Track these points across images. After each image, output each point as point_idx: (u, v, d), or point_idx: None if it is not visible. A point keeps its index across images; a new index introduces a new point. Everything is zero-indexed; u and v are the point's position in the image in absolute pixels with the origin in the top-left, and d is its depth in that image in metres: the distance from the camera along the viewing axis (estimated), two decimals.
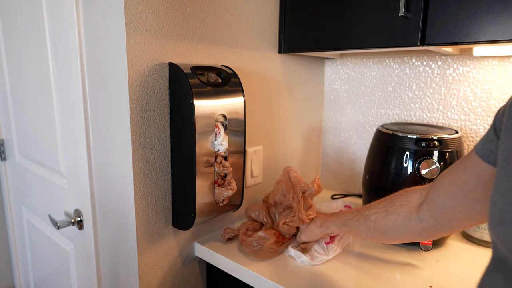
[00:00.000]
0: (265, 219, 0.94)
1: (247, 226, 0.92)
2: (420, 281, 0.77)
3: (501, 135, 0.46)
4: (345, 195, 1.30)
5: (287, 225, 0.88)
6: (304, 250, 0.86)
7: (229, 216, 1.01)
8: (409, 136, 0.89)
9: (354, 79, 1.27)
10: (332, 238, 0.93)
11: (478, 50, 0.96)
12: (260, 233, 0.86)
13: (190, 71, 0.78)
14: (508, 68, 0.98)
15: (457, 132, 0.92)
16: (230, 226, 0.96)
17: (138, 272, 0.83)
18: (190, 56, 0.84)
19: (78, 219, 0.98)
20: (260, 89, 1.05)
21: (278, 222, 0.90)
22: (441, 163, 0.87)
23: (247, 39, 0.98)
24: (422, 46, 0.81)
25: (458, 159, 0.89)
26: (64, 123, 0.97)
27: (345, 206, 0.98)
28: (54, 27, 0.92)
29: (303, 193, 0.88)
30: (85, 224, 0.97)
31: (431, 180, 0.85)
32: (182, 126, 0.80)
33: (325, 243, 0.89)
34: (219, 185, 0.84)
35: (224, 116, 0.83)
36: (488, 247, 0.91)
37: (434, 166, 0.86)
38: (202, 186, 0.81)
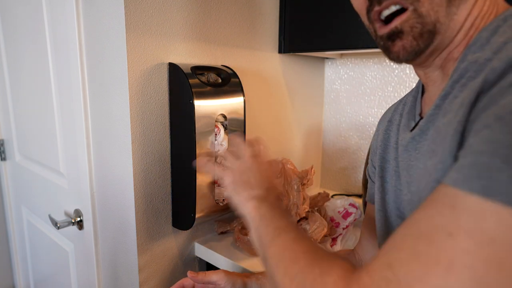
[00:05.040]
0: None
1: (243, 224, 0.92)
2: None
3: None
4: (345, 195, 1.30)
5: None
6: None
7: (229, 216, 1.01)
8: None
9: (354, 79, 1.27)
10: (334, 240, 0.93)
11: None
12: None
13: (190, 71, 0.78)
14: None
15: None
16: (223, 220, 0.97)
17: (138, 272, 0.83)
18: (190, 56, 0.84)
19: (78, 219, 0.98)
20: (260, 89, 1.05)
21: None
22: None
23: (247, 39, 0.98)
24: None
25: None
26: (64, 123, 0.97)
27: (350, 204, 0.98)
28: (54, 27, 0.92)
29: (303, 184, 0.88)
30: (85, 224, 0.97)
31: None
32: (182, 126, 0.80)
33: (330, 245, 0.89)
34: (219, 185, 0.84)
35: (224, 116, 0.83)
36: None
37: None
38: (202, 186, 0.81)
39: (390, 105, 0.62)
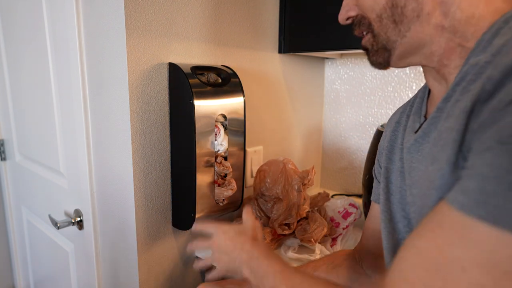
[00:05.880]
0: (258, 213, 0.94)
1: None
2: None
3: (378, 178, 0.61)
4: (345, 195, 1.30)
5: (284, 225, 0.89)
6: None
7: (229, 216, 1.01)
8: None
9: (354, 79, 1.27)
10: (334, 240, 0.93)
11: None
12: None
13: (190, 71, 0.78)
14: None
15: None
16: (224, 220, 0.96)
17: (138, 272, 0.83)
18: (190, 56, 0.84)
19: (78, 219, 0.98)
20: (260, 89, 1.05)
21: (273, 220, 0.89)
22: None
23: (247, 39, 0.98)
24: None
25: None
26: (64, 123, 0.97)
27: (350, 204, 0.98)
28: (54, 27, 0.92)
29: (304, 185, 0.88)
30: (85, 224, 0.97)
31: None
32: (182, 126, 0.80)
33: (330, 245, 0.89)
34: (219, 185, 0.84)
35: (224, 116, 0.83)
36: None
37: None
38: (202, 186, 0.81)
39: (390, 105, 0.62)
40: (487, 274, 0.25)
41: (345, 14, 0.49)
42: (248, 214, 0.62)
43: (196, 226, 0.64)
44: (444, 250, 0.28)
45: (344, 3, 0.49)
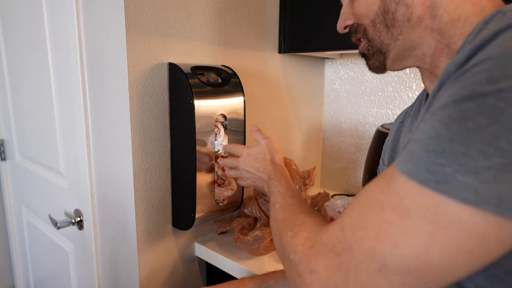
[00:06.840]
0: (258, 213, 0.94)
1: (243, 224, 0.92)
2: None
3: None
4: (345, 195, 1.30)
5: None
6: None
7: (229, 216, 1.01)
8: None
9: (354, 79, 1.27)
10: None
11: None
12: (257, 233, 0.86)
13: (190, 71, 0.78)
14: None
15: None
16: (223, 220, 0.97)
17: (138, 272, 0.83)
18: (190, 56, 0.84)
19: (78, 219, 0.98)
20: (260, 89, 1.05)
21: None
22: None
23: (247, 39, 0.98)
24: None
25: None
26: (64, 123, 0.97)
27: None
28: (54, 27, 0.92)
29: (305, 185, 0.88)
30: (85, 224, 0.97)
31: None
32: (182, 126, 0.80)
33: None
34: (219, 185, 0.84)
35: (224, 116, 0.83)
36: None
37: None
38: (202, 186, 0.81)
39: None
40: (396, 213, 0.32)
41: (342, 23, 0.52)
42: (257, 136, 0.72)
43: (225, 147, 0.77)
44: (376, 193, 0.35)
45: (341, 13, 0.52)
